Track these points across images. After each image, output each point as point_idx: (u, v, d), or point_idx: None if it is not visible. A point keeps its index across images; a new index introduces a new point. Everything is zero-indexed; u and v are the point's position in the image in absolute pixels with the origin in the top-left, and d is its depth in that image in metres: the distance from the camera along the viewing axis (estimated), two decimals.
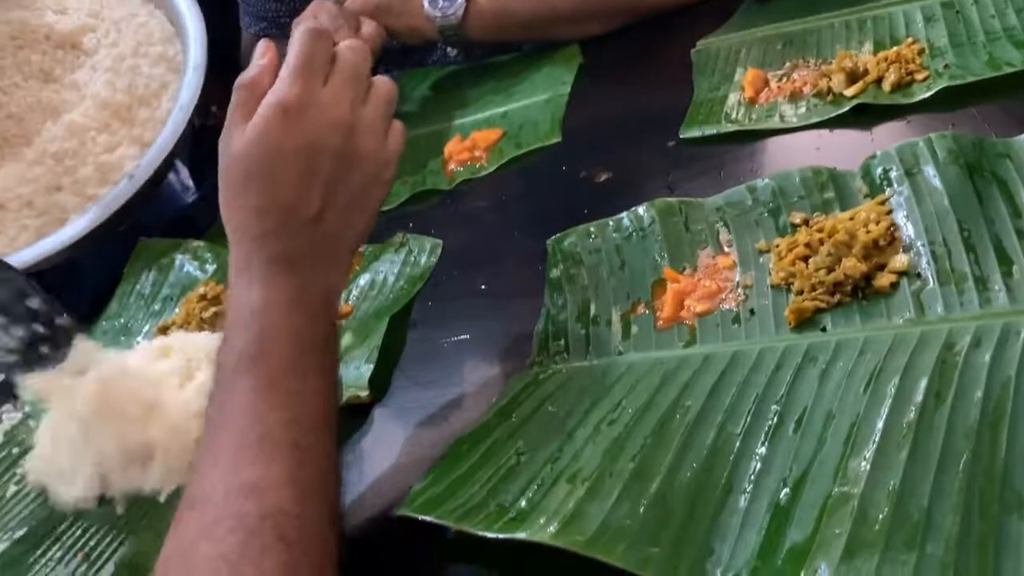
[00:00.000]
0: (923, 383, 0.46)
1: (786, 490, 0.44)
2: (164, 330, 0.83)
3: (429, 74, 1.09)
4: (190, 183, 1.38)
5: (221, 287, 0.85)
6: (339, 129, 0.53)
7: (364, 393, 0.65)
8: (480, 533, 0.48)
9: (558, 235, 0.71)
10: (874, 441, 0.44)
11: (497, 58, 1.07)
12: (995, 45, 0.68)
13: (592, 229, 0.70)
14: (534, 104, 0.93)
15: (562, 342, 0.63)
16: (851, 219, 0.57)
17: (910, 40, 0.72)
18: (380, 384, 0.66)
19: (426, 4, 0.99)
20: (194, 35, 1.01)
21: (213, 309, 0.83)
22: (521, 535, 0.47)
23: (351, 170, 0.53)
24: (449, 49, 1.09)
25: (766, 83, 0.77)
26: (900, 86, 0.68)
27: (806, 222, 0.61)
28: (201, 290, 0.85)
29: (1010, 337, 0.47)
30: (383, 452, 0.62)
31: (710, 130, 0.76)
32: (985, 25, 0.70)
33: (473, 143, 0.91)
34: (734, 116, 0.76)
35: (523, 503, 0.49)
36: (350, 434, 0.64)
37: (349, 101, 0.54)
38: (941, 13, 0.74)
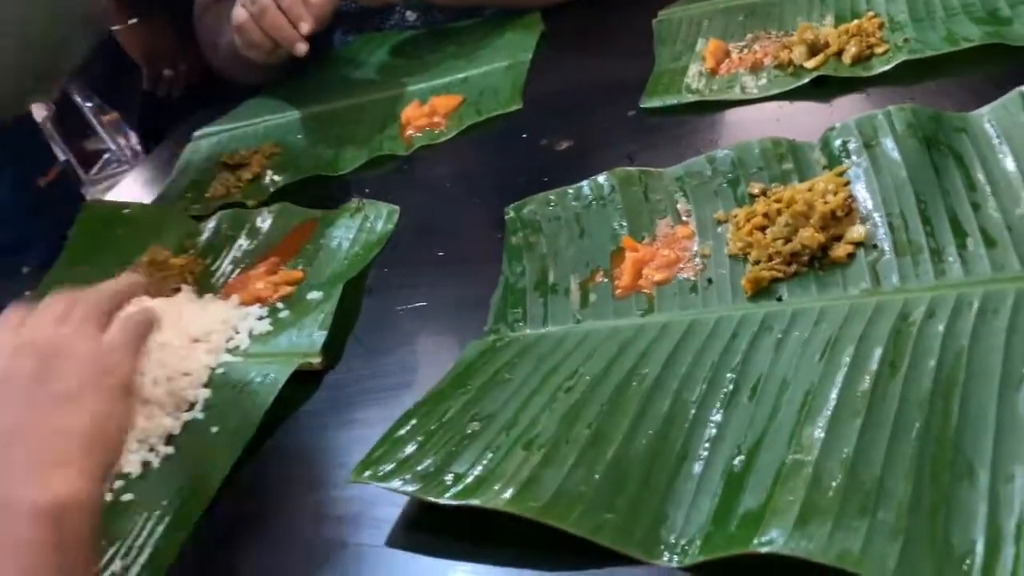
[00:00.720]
0: (877, 352, 0.47)
1: (740, 457, 0.44)
2: None
3: (387, 38, 1.07)
4: (138, 148, 1.33)
5: (168, 251, 0.83)
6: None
7: (317, 360, 0.64)
8: (434, 500, 0.48)
9: (517, 203, 0.70)
10: (828, 409, 0.44)
11: (457, 23, 1.05)
12: (954, 20, 0.68)
13: (552, 197, 0.70)
14: (495, 71, 0.92)
15: (520, 310, 0.62)
16: (809, 190, 0.57)
17: (871, 14, 0.72)
18: (333, 351, 0.65)
19: None
20: None
21: (161, 274, 0.80)
22: (475, 502, 0.47)
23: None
24: (408, 12, 1.07)
25: (727, 54, 0.77)
26: (860, 59, 0.69)
27: (764, 192, 0.61)
28: (149, 255, 0.83)
29: (963, 308, 0.47)
30: (335, 420, 0.60)
31: (671, 100, 0.75)
32: (944, 1, 0.71)
33: (432, 109, 0.90)
34: (695, 86, 0.75)
35: (478, 470, 0.49)
36: (302, 401, 0.63)
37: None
38: None
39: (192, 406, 0.65)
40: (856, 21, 0.71)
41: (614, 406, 0.50)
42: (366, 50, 1.07)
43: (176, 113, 1.22)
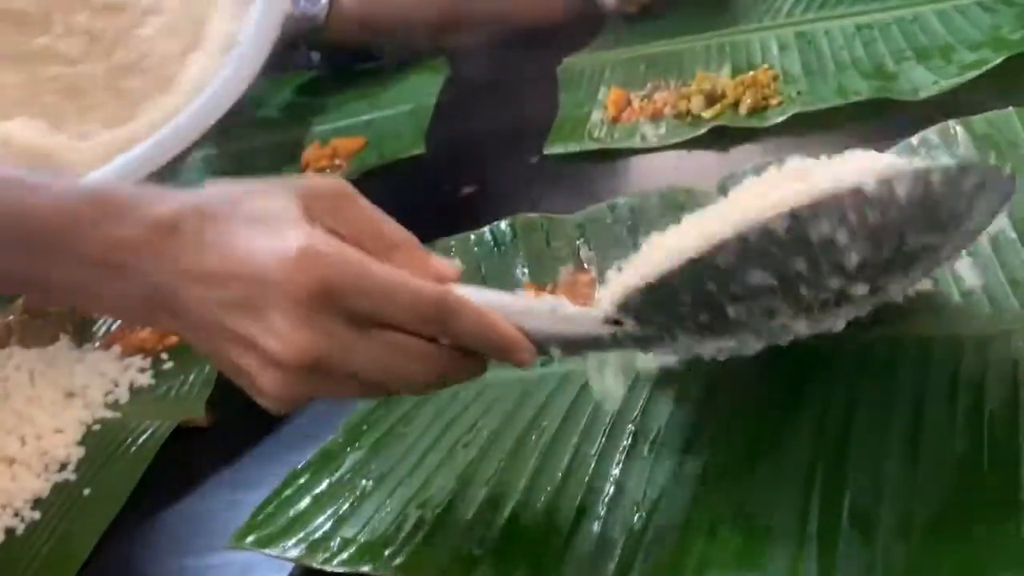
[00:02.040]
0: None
1: (640, 514, 0.43)
2: None
3: (290, 80, 1.05)
4: None
5: None
6: None
7: (200, 415, 0.60)
8: (321, 567, 0.45)
9: None
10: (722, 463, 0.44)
11: (362, 65, 1.04)
12: (844, 75, 0.70)
13: (453, 243, 0.68)
14: (398, 114, 0.91)
15: None
16: None
17: (765, 67, 0.74)
18: (219, 405, 0.61)
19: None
20: None
21: (38, 322, 0.75)
22: (365, 568, 0.44)
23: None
24: (312, 54, 1.05)
25: (629, 102, 0.78)
26: (756, 110, 0.70)
27: None
28: (23, 304, 0.77)
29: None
30: (218, 479, 0.57)
31: (573, 147, 0.75)
32: (835, 56, 0.73)
33: (333, 151, 0.88)
34: (597, 134, 0.76)
35: (369, 534, 0.46)
36: (184, 460, 0.59)
37: None
38: (795, 42, 0.76)
39: (64, 466, 0.61)
40: (752, 73, 0.73)
41: (513, 462, 0.48)
42: (269, 91, 1.04)
43: None
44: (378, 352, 0.38)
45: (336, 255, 0.37)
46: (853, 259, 0.37)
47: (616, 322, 0.41)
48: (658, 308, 0.40)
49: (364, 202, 0.42)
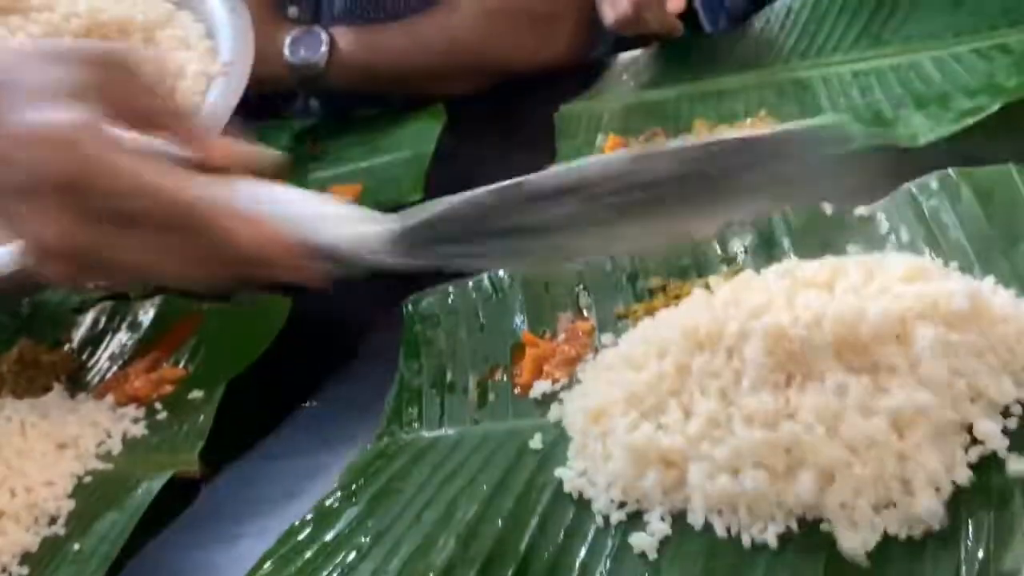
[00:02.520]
0: None
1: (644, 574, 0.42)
2: None
3: (288, 126, 1.05)
4: None
5: (41, 347, 0.77)
6: None
7: (194, 468, 0.59)
8: None
9: (415, 295, 0.68)
10: None
11: (362, 111, 1.04)
12: (842, 121, 0.70)
13: (451, 290, 0.68)
14: (396, 160, 0.91)
15: (415, 410, 0.59)
16: (707, 286, 0.57)
17: (762, 113, 0.74)
18: (214, 457, 0.60)
19: (286, 51, 0.95)
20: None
21: (30, 372, 0.74)
22: None
23: None
24: (311, 100, 1.05)
25: None
26: None
27: (663, 288, 0.60)
28: (18, 351, 0.76)
29: None
30: (213, 535, 0.56)
31: None
32: (832, 103, 0.73)
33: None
34: None
35: None
36: (177, 513, 0.58)
37: None
38: (792, 89, 0.77)
39: (53, 520, 0.59)
40: (749, 120, 0.73)
41: (514, 520, 0.47)
42: (267, 138, 1.04)
43: None
44: (135, 248, 0.39)
45: (92, 149, 0.38)
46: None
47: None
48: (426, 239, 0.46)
49: (143, 77, 0.43)
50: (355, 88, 0.99)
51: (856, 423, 0.41)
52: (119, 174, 0.38)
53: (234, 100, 0.74)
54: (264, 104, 1.08)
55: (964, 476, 0.41)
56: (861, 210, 0.60)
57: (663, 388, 0.45)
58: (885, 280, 0.45)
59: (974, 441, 0.42)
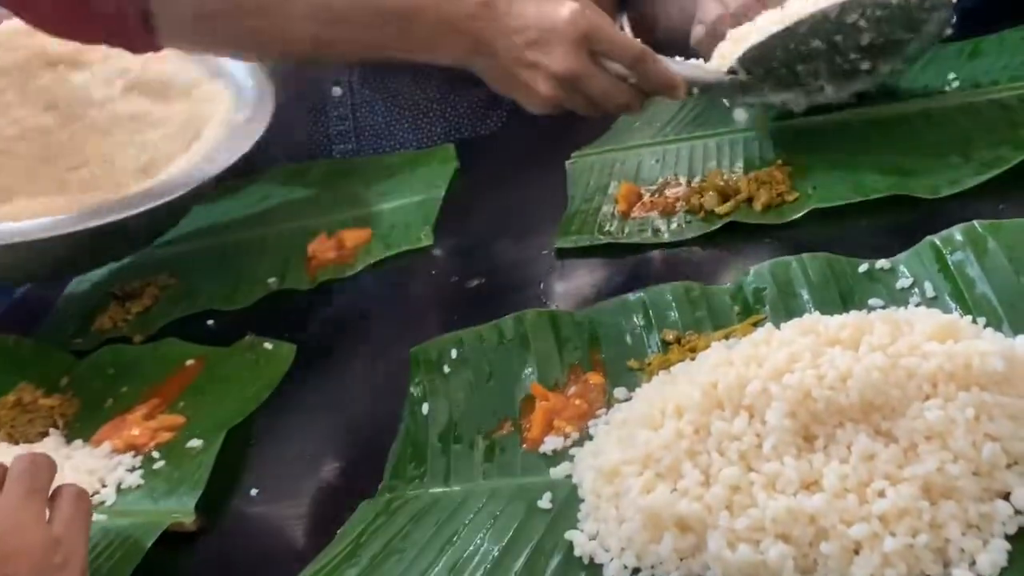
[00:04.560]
0: None
1: None
2: None
3: (298, 169, 1.04)
4: None
5: (40, 391, 0.75)
6: None
7: (190, 520, 0.57)
8: None
9: (423, 344, 0.66)
10: None
11: (372, 156, 1.04)
12: (861, 171, 0.69)
13: (460, 338, 0.66)
14: (407, 205, 0.90)
15: (420, 464, 0.57)
16: (725, 339, 0.55)
17: (779, 162, 0.73)
18: (210, 509, 0.58)
19: None
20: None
21: (28, 417, 0.73)
22: None
23: None
24: (335, 89, 1.04)
25: (639, 197, 0.76)
26: (771, 206, 0.69)
27: (678, 340, 0.59)
28: (17, 394, 0.75)
29: None
30: None
31: (583, 241, 0.74)
32: (851, 151, 0.72)
33: (340, 242, 0.86)
34: (607, 228, 0.74)
35: None
36: (170, 569, 0.55)
37: None
38: (809, 137, 0.75)
39: None
40: (766, 169, 0.72)
41: None
42: (275, 180, 1.04)
43: None
44: (605, 80, 0.71)
45: (594, 18, 0.70)
46: (865, 38, 0.69)
47: (732, 72, 0.72)
48: (758, 63, 0.71)
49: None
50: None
51: (885, 492, 0.39)
52: (613, 31, 0.71)
53: (247, 146, 0.83)
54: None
55: (1001, 548, 0.39)
56: (882, 263, 0.59)
57: (680, 449, 0.43)
58: (913, 338, 0.43)
59: (1011, 510, 0.40)
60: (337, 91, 1.04)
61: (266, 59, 0.95)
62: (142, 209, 0.75)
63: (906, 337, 0.43)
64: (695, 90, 0.73)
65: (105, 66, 0.87)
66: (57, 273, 0.90)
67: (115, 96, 0.85)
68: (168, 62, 0.91)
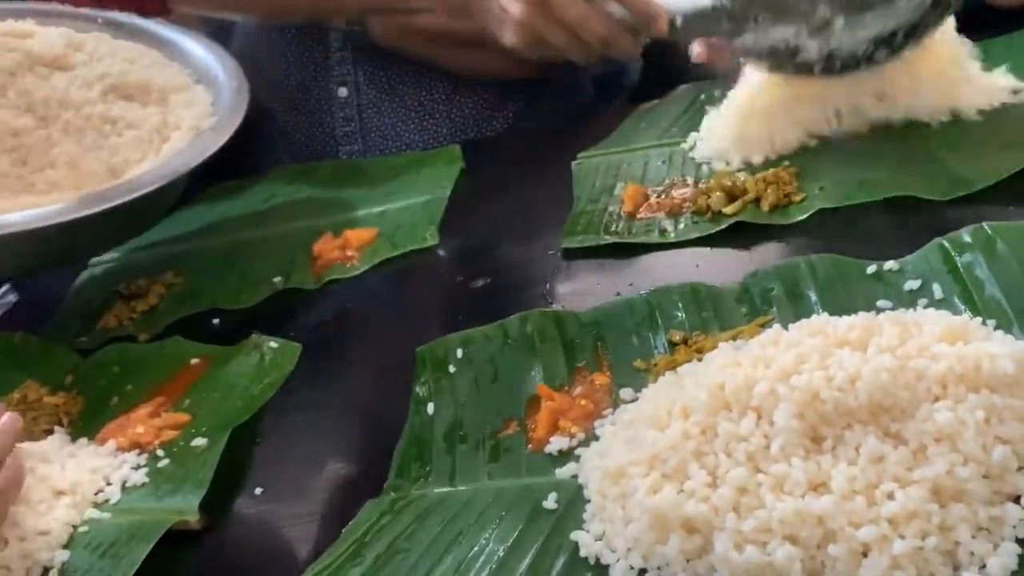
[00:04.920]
0: None
1: None
2: None
3: (303, 170, 1.04)
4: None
5: (45, 389, 0.75)
6: None
7: (194, 519, 0.57)
8: None
9: (428, 344, 0.66)
10: None
11: (377, 157, 1.04)
12: (869, 171, 0.69)
13: (465, 338, 0.66)
14: (412, 205, 0.90)
15: (425, 464, 0.57)
16: (732, 340, 0.55)
17: (787, 162, 0.73)
18: (215, 508, 0.58)
19: None
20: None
21: (32, 414, 0.73)
22: None
23: None
24: (341, 89, 1.04)
25: (646, 198, 0.76)
26: (778, 207, 0.68)
27: (685, 341, 0.58)
28: (22, 391, 0.75)
29: None
30: None
31: (589, 241, 0.73)
32: (859, 152, 0.71)
33: (345, 241, 0.86)
34: (613, 228, 0.74)
35: None
36: (174, 568, 0.55)
37: None
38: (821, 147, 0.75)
39: (46, 571, 0.57)
40: (772, 169, 0.71)
41: None
42: (281, 179, 1.04)
43: None
44: (579, 5, 0.70)
45: None
46: None
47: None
48: None
49: None
50: (397, 46, 0.98)
51: (894, 494, 0.39)
52: None
53: (211, 149, 0.83)
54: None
55: (1012, 551, 0.38)
56: (890, 264, 0.58)
57: (687, 450, 0.43)
58: (923, 339, 0.43)
59: (1022, 513, 0.39)
60: (343, 92, 1.05)
61: (270, 19, 0.95)
62: (102, 208, 0.75)
63: (915, 339, 0.43)
64: (679, 20, 0.72)
65: (87, 69, 0.88)
66: (19, 270, 0.90)
67: (94, 98, 0.86)
68: (153, 67, 0.93)
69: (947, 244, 0.57)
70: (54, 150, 0.80)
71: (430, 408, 0.61)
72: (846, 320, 0.46)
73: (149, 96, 0.89)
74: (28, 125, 0.81)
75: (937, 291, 0.54)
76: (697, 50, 0.82)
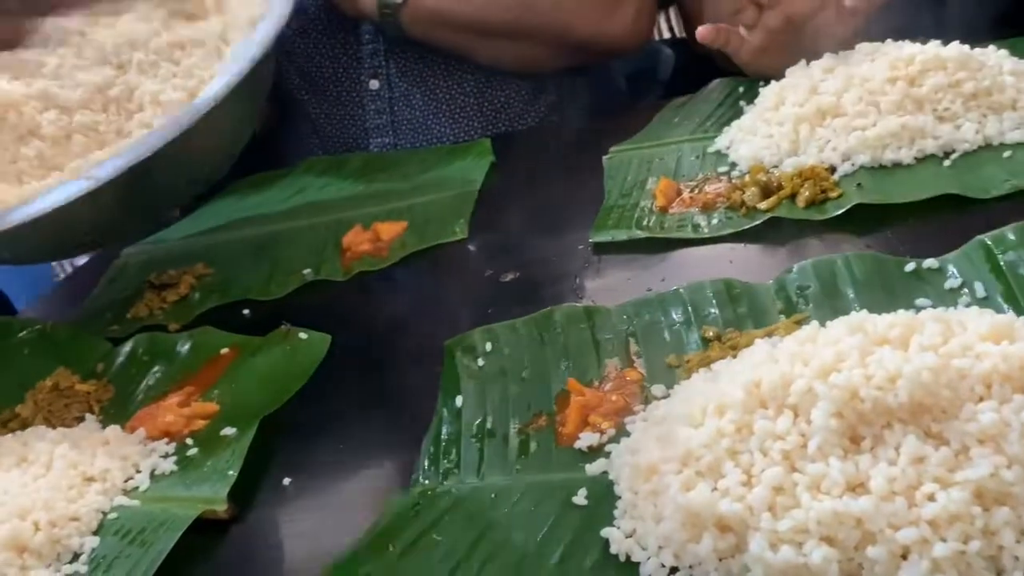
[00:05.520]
0: None
1: None
2: (6, 422, 0.73)
3: (333, 163, 1.05)
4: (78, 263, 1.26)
5: (77, 376, 0.76)
6: None
7: (222, 507, 0.57)
8: None
9: (457, 336, 0.66)
10: None
11: (407, 150, 1.04)
12: (909, 168, 0.67)
13: (494, 331, 0.65)
14: (442, 199, 0.89)
15: (453, 457, 0.56)
16: (767, 337, 0.54)
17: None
18: (243, 497, 0.58)
19: None
20: None
21: (64, 401, 0.73)
22: None
23: None
24: (372, 82, 1.04)
25: (679, 193, 0.75)
26: (814, 202, 0.67)
27: (719, 337, 0.57)
28: (54, 379, 0.76)
29: None
30: None
31: (620, 235, 0.73)
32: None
33: (375, 234, 0.86)
34: (645, 223, 0.73)
35: None
36: (201, 556, 0.55)
37: None
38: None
39: (76, 557, 0.57)
40: (809, 165, 0.70)
41: None
42: (312, 172, 1.04)
43: None
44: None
45: None
46: None
47: None
48: None
49: None
50: (423, 32, 0.98)
51: (935, 495, 0.38)
52: None
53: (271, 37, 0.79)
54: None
55: None
56: (930, 262, 0.57)
57: (722, 447, 0.42)
58: (966, 338, 0.42)
59: None
60: (375, 84, 1.05)
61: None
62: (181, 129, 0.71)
63: (959, 337, 0.42)
64: None
65: (145, 4, 0.87)
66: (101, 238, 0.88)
67: (158, 29, 0.85)
68: None
69: (989, 242, 0.55)
70: (136, 92, 0.81)
71: (458, 401, 0.60)
72: (886, 317, 0.45)
73: (206, 9, 0.88)
74: (109, 76, 0.82)
75: (979, 290, 0.53)
76: (702, 30, 0.82)
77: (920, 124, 0.68)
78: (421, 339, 0.70)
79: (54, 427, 0.70)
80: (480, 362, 0.63)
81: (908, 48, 0.72)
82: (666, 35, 1.61)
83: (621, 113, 1.05)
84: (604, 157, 0.85)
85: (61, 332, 0.84)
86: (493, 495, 0.51)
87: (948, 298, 0.54)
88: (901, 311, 0.47)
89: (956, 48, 0.70)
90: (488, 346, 0.64)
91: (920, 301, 0.54)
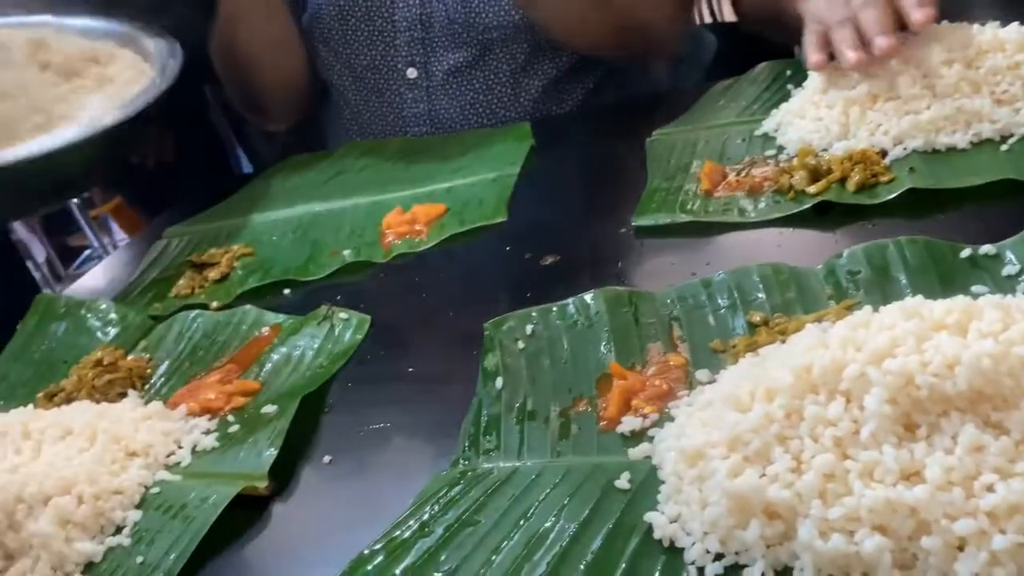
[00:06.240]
0: None
1: None
2: (51, 396, 0.74)
3: (372, 147, 1.04)
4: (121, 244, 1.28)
5: (120, 352, 0.77)
6: None
7: (263, 484, 0.57)
8: None
9: (496, 319, 0.65)
10: None
11: (447, 134, 1.03)
12: (962, 153, 0.65)
13: (534, 314, 0.65)
14: (481, 182, 0.89)
15: (493, 438, 0.56)
16: (818, 322, 0.52)
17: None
18: (283, 474, 0.58)
19: None
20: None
21: (108, 377, 0.74)
22: None
23: None
24: (410, 70, 1.04)
25: (724, 176, 0.74)
26: (864, 187, 0.65)
27: (766, 322, 0.56)
28: (98, 354, 0.76)
29: None
30: (278, 557, 0.53)
31: (664, 219, 0.72)
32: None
33: (414, 216, 0.86)
34: (690, 207, 0.72)
35: None
36: (242, 531, 0.56)
37: None
38: None
39: (119, 529, 0.58)
40: (860, 148, 0.68)
41: (598, 565, 0.43)
42: (351, 155, 1.04)
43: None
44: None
45: None
46: None
47: None
48: None
49: None
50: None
51: (994, 486, 0.37)
52: None
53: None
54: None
55: None
56: (986, 248, 0.55)
57: (771, 433, 0.41)
58: None
59: None
60: (412, 73, 1.04)
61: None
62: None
63: (1019, 324, 0.41)
64: None
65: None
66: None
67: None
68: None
69: None
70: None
71: (498, 383, 0.60)
72: (943, 303, 0.44)
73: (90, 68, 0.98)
74: None
75: None
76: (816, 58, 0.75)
77: (977, 107, 0.66)
78: (460, 321, 0.69)
79: (97, 402, 0.71)
80: (520, 344, 0.63)
81: (965, 29, 0.70)
82: (707, 20, 1.58)
83: (662, 97, 1.04)
84: (648, 139, 0.84)
85: (104, 309, 0.85)
86: (534, 476, 0.51)
87: (1006, 285, 0.52)
88: (959, 297, 0.45)
89: (1016, 29, 0.68)
90: (528, 329, 0.63)
91: (977, 288, 0.52)
